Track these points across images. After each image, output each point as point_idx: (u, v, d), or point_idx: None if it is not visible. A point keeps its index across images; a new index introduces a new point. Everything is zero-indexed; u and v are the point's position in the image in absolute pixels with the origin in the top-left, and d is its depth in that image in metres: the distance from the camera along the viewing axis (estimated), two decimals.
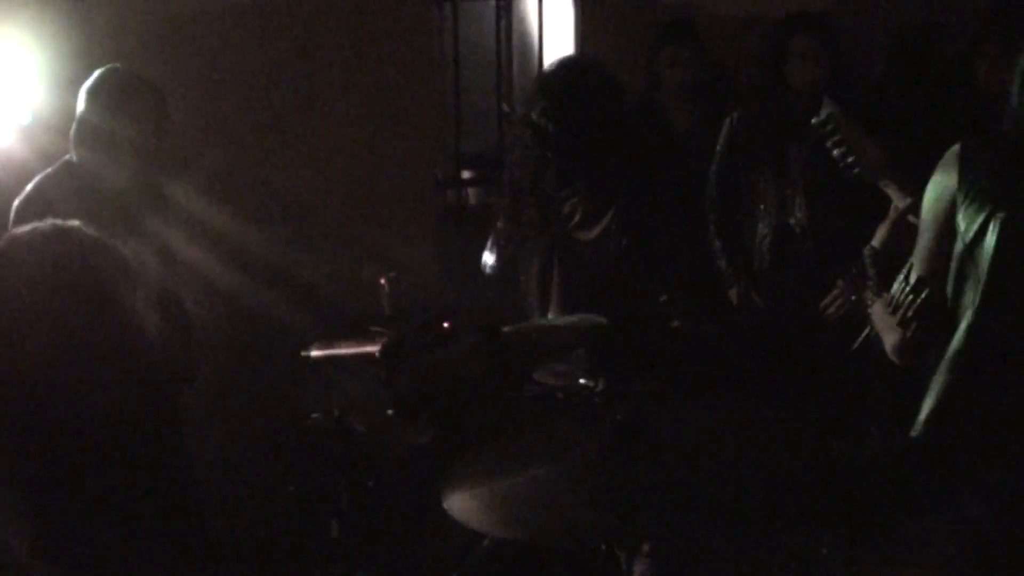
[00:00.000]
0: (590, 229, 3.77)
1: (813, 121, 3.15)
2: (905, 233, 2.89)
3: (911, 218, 2.87)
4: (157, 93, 3.81)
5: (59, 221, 2.11)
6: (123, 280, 2.06)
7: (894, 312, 2.61)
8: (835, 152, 3.09)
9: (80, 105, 3.72)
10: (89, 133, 3.69)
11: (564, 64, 3.65)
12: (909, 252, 2.68)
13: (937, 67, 4.79)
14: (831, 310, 4.13)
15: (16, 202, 3.72)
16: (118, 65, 3.81)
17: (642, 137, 4.00)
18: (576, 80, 3.56)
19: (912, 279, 2.59)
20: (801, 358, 4.16)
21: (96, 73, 3.76)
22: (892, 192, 3.02)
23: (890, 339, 2.67)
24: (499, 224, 4.17)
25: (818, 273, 4.16)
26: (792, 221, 4.17)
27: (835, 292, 4.14)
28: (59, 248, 2.04)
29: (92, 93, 3.72)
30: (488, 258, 4.16)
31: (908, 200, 2.95)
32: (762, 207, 4.21)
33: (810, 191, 4.13)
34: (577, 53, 4.72)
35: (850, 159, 3.07)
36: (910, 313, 2.57)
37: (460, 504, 2.37)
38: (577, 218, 3.79)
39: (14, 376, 1.96)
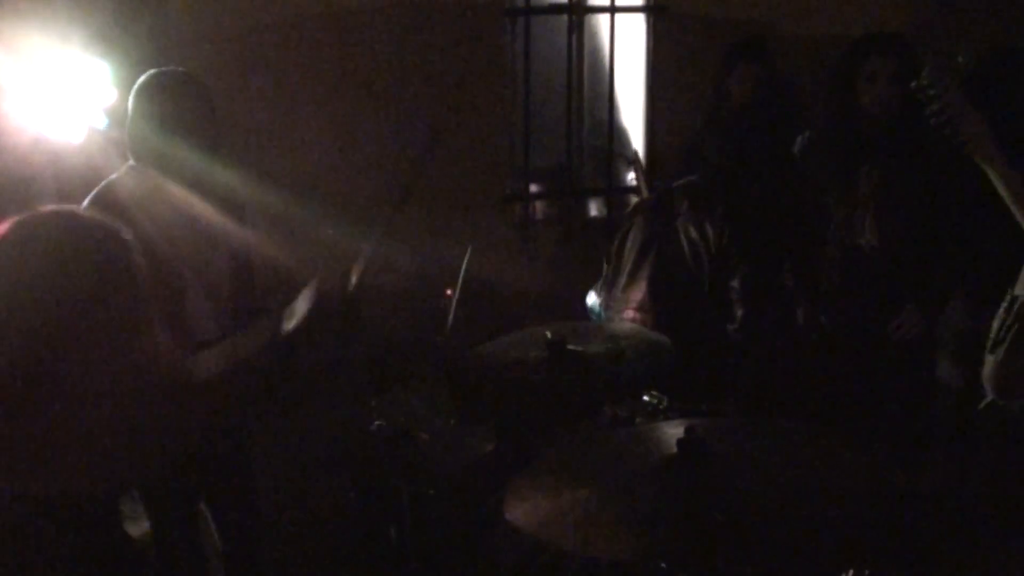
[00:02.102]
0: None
1: (913, 84, 2.96)
2: None
3: None
4: (205, 90, 3.64)
5: (61, 207, 2.13)
6: (125, 264, 2.06)
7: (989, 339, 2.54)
8: (934, 120, 2.86)
9: (131, 108, 3.56)
10: (142, 138, 3.60)
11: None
12: None
13: (1020, 95, 4.67)
14: (899, 333, 4.09)
15: (83, 206, 3.73)
16: (173, 68, 3.70)
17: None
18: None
19: (1008, 299, 2.52)
20: (866, 380, 4.12)
21: (144, 76, 3.58)
22: (993, 171, 2.77)
23: (986, 368, 2.58)
24: (605, 271, 4.26)
25: (886, 295, 4.12)
26: (861, 242, 4.13)
27: (903, 315, 4.10)
28: (60, 228, 2.07)
29: (142, 96, 3.55)
30: (593, 299, 4.23)
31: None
32: (831, 228, 4.18)
33: (880, 213, 4.09)
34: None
35: (950, 127, 2.83)
36: (1002, 332, 2.50)
37: (521, 515, 2.36)
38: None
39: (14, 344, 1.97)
